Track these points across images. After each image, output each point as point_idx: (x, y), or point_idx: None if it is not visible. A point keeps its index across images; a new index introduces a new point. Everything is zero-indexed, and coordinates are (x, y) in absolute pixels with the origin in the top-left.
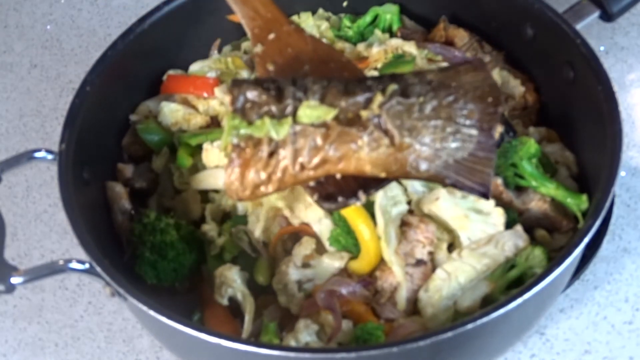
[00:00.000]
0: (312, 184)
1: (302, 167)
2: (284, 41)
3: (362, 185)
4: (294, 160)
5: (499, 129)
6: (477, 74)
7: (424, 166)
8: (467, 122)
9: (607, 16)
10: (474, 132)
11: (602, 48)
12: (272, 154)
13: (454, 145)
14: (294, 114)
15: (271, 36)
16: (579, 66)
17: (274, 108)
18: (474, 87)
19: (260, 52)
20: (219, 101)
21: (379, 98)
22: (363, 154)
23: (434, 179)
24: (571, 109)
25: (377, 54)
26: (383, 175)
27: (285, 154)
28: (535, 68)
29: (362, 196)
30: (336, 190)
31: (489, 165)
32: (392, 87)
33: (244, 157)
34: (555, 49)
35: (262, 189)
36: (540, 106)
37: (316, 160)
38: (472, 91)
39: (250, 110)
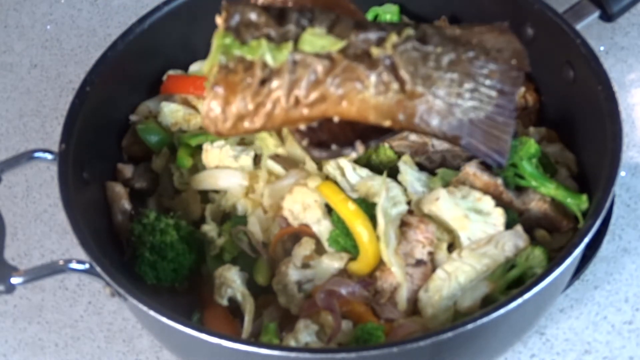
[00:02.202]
0: (302, 127)
1: (297, 101)
2: None
3: (359, 136)
4: (288, 92)
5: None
6: (501, 36)
7: (435, 121)
8: (487, 81)
9: (607, 16)
10: (493, 93)
11: (602, 48)
12: (264, 82)
13: (470, 103)
14: (295, 40)
15: None
16: (579, 66)
17: (272, 32)
18: (497, 49)
19: None
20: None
21: (393, 38)
22: (368, 95)
23: (446, 137)
24: (571, 109)
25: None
26: (387, 124)
27: (279, 84)
28: (535, 68)
29: (360, 147)
30: (329, 137)
31: (507, 131)
32: (409, 30)
33: (231, 80)
34: (555, 49)
35: (246, 123)
36: (540, 106)
37: (314, 95)
38: (494, 51)
39: (245, 31)
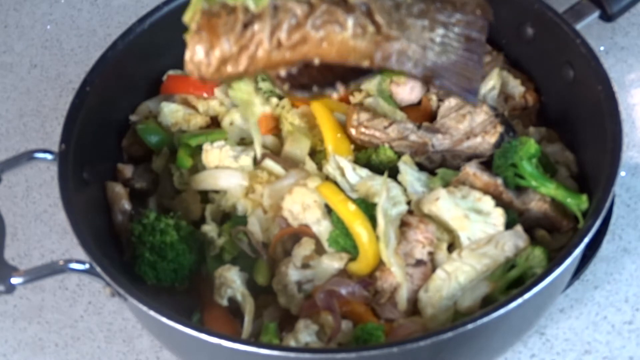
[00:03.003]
0: (283, 73)
1: (279, 44)
2: None
3: (339, 77)
4: (270, 35)
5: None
6: None
7: (410, 62)
8: (456, 29)
9: (607, 16)
10: (462, 39)
11: (602, 48)
12: (246, 25)
13: (441, 48)
14: None
15: None
16: (578, 66)
17: None
18: (461, 2)
19: None
20: (219, 101)
21: None
22: (347, 36)
23: (420, 77)
24: (571, 109)
25: None
26: (366, 63)
27: (261, 27)
28: (535, 68)
29: (340, 86)
30: (309, 81)
31: (477, 73)
32: None
33: (214, 24)
34: (555, 49)
35: (230, 66)
36: (540, 106)
37: (295, 37)
38: (459, 3)
39: None
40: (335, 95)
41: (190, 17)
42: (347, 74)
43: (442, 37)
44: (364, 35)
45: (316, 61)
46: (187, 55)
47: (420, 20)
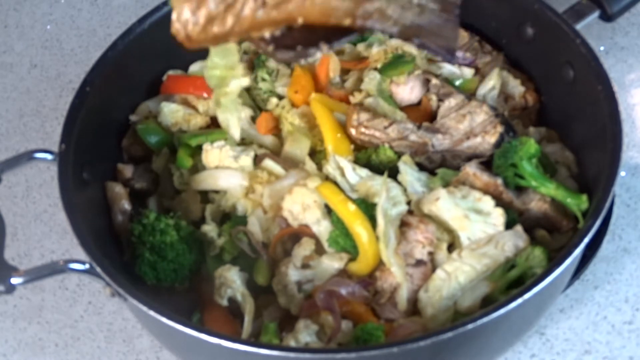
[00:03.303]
0: (267, 36)
1: (264, 2)
2: None
3: (322, 38)
4: None
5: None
6: None
7: (389, 21)
8: None
9: (607, 16)
10: (438, 2)
11: (602, 48)
12: None
13: (419, 9)
14: None
15: None
16: (578, 66)
17: None
18: None
19: None
20: None
21: None
22: None
23: (400, 36)
24: (571, 109)
25: (377, 54)
26: (347, 22)
27: None
28: (535, 68)
29: (324, 46)
30: (294, 43)
31: (454, 34)
32: None
33: None
34: (555, 49)
35: (216, 26)
36: (540, 106)
37: None
38: None
39: None
40: (318, 55)
41: None
42: (330, 35)
43: None
44: None
45: (300, 20)
46: (174, 15)
47: None
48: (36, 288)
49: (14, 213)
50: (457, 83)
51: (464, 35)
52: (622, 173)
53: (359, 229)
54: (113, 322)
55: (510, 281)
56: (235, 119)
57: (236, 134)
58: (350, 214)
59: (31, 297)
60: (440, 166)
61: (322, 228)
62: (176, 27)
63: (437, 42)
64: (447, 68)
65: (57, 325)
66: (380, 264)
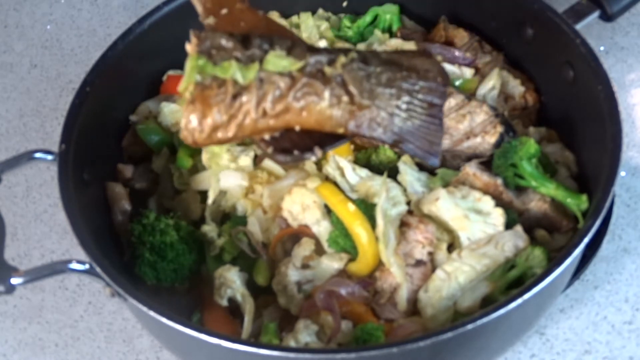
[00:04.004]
0: (267, 137)
1: (264, 113)
2: (236, 16)
3: (317, 142)
4: (257, 105)
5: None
6: (425, 59)
7: (380, 129)
8: (420, 95)
9: (607, 16)
10: (425, 105)
11: (602, 48)
12: (235, 96)
13: (406, 114)
14: (260, 61)
15: (224, 11)
16: (578, 66)
17: (239, 54)
18: (424, 69)
19: (212, 23)
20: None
21: (342, 59)
22: (324, 106)
23: (390, 143)
24: (571, 108)
25: None
26: (341, 131)
27: (248, 98)
28: (535, 68)
29: (318, 151)
30: (291, 145)
31: (438, 136)
32: (353, 54)
33: (207, 95)
34: (555, 48)
35: (220, 133)
36: (540, 106)
37: (279, 107)
38: (422, 71)
39: (215, 53)
40: (313, 159)
41: (184, 87)
42: (324, 138)
43: (407, 104)
44: (339, 104)
45: (297, 128)
46: (182, 122)
47: (388, 89)
48: (36, 288)
49: (14, 213)
50: (457, 83)
51: (463, 35)
52: (622, 173)
53: (359, 229)
54: (113, 322)
55: (510, 281)
56: (214, 188)
57: (211, 199)
58: (349, 214)
59: (31, 297)
60: (440, 166)
61: (322, 228)
62: (184, 134)
63: (423, 145)
64: (447, 68)
65: (57, 325)
66: (380, 264)
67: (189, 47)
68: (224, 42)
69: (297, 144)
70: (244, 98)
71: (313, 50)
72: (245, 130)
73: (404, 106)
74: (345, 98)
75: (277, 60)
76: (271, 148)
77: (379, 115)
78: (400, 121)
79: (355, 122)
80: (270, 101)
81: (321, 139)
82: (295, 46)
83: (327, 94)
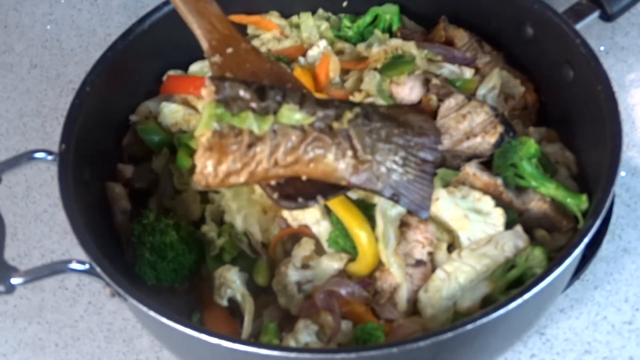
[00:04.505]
0: (272, 183)
1: (276, 163)
2: (242, 56)
3: (319, 190)
4: (270, 155)
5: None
6: (419, 115)
7: (380, 183)
8: (414, 151)
9: (607, 16)
10: (419, 161)
11: (602, 48)
12: (250, 146)
13: (402, 169)
14: (274, 113)
15: (229, 50)
16: (578, 66)
17: (255, 105)
18: (419, 126)
19: (218, 61)
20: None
21: (348, 114)
22: (330, 160)
23: (388, 196)
24: (571, 108)
25: (376, 54)
26: (344, 183)
27: (262, 149)
28: (535, 68)
29: (320, 199)
30: (295, 192)
31: (428, 192)
32: (357, 109)
33: (224, 144)
34: (555, 48)
35: (232, 179)
36: (540, 106)
37: (290, 158)
38: (417, 127)
39: (233, 103)
40: (316, 206)
41: (201, 132)
42: (326, 187)
43: (403, 159)
44: (344, 159)
45: (304, 178)
46: (198, 167)
47: (387, 145)
48: (36, 288)
49: (14, 213)
50: (457, 83)
51: (463, 35)
52: (622, 173)
53: (358, 229)
54: (113, 322)
55: (510, 281)
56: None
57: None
58: (349, 215)
59: (31, 297)
60: (440, 166)
61: (322, 228)
62: (198, 177)
63: (415, 199)
64: (447, 68)
65: (57, 325)
66: (380, 264)
67: (205, 93)
68: (242, 92)
69: (300, 191)
70: (258, 148)
71: (321, 104)
72: (256, 177)
73: (400, 161)
74: (349, 152)
75: (291, 114)
76: (277, 194)
77: (378, 170)
78: (397, 176)
79: (357, 176)
80: (283, 152)
81: (323, 186)
82: (306, 99)
83: (334, 148)
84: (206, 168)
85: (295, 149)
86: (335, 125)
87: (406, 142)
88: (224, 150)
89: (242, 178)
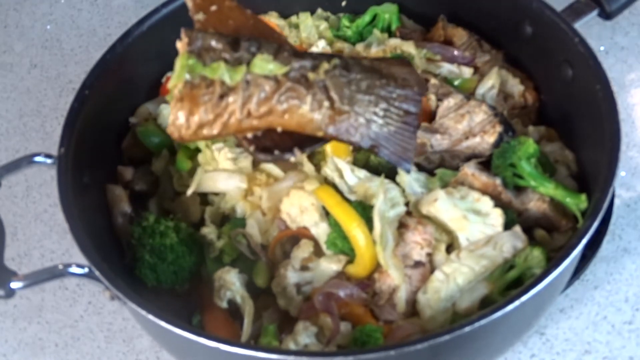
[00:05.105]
0: (249, 136)
1: (249, 113)
2: (225, 14)
3: (297, 143)
4: (242, 106)
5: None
6: (404, 67)
7: (357, 134)
8: (396, 103)
9: (606, 14)
10: (401, 112)
11: (602, 48)
12: (222, 96)
13: (382, 121)
14: (247, 63)
15: (213, 7)
16: (577, 65)
17: (228, 56)
18: (402, 78)
19: (202, 19)
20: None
21: (325, 65)
22: (306, 110)
23: (366, 147)
24: (570, 107)
25: (375, 53)
26: (320, 134)
27: (235, 99)
28: (534, 67)
29: (297, 152)
30: (272, 145)
31: (412, 143)
32: (336, 60)
33: (195, 94)
34: (554, 47)
35: (205, 130)
36: (539, 105)
37: (263, 109)
38: (400, 79)
39: (205, 54)
40: (292, 159)
41: (173, 84)
42: (304, 140)
43: (384, 111)
44: (320, 109)
45: (279, 129)
46: (170, 119)
47: (367, 96)
48: (36, 288)
49: (14, 213)
50: (456, 82)
51: (462, 34)
52: (622, 173)
53: (355, 232)
54: (113, 322)
55: (509, 282)
56: None
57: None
58: (346, 217)
59: (31, 297)
60: (439, 166)
61: (320, 230)
62: (171, 129)
63: (397, 151)
64: (446, 67)
65: (57, 325)
66: (378, 266)
67: (180, 45)
68: (214, 43)
69: (278, 144)
70: (230, 98)
71: (298, 55)
72: (229, 128)
73: (380, 113)
74: (326, 103)
75: (264, 64)
76: (253, 146)
77: (357, 120)
78: (377, 127)
79: (334, 126)
80: (255, 103)
81: (301, 140)
82: (282, 50)
83: (309, 98)
84: (178, 119)
85: (268, 99)
86: (311, 75)
87: (388, 94)
88: (195, 101)
89: (215, 130)
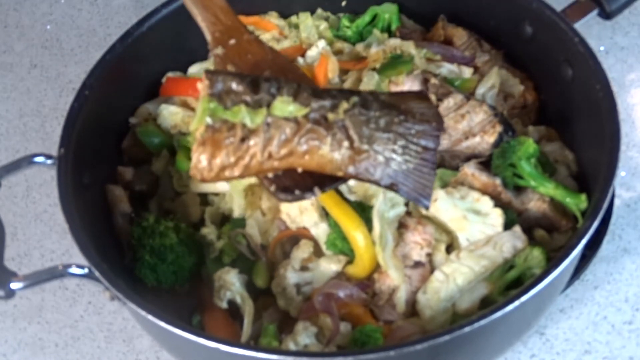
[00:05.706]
0: (270, 175)
1: (270, 155)
2: (244, 48)
3: (316, 182)
4: (263, 148)
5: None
6: (422, 102)
7: (377, 173)
8: (414, 139)
9: (606, 14)
10: (419, 149)
11: (602, 48)
12: (243, 139)
13: (402, 158)
14: (267, 106)
15: (232, 41)
16: (577, 64)
17: (249, 98)
18: (420, 112)
19: (220, 53)
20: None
21: (344, 105)
22: (326, 151)
23: (386, 186)
24: (570, 107)
25: (375, 54)
26: (340, 174)
27: (256, 142)
28: (534, 66)
29: (318, 191)
30: (292, 184)
31: (430, 180)
32: (355, 98)
33: (217, 138)
34: (554, 47)
35: (227, 172)
36: (539, 105)
37: (284, 151)
38: (418, 115)
39: (226, 97)
40: (313, 198)
41: (195, 127)
42: (324, 178)
43: (403, 148)
44: (340, 150)
45: (299, 169)
46: (193, 161)
47: (386, 134)
48: (36, 288)
49: (14, 213)
50: (456, 82)
51: (462, 34)
52: (622, 173)
53: (355, 232)
54: (113, 322)
55: (508, 282)
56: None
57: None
58: (345, 217)
59: (31, 297)
60: (439, 166)
61: (320, 230)
62: (193, 172)
63: (416, 188)
64: (446, 67)
65: (57, 325)
66: (378, 266)
67: (201, 88)
68: (235, 85)
69: (298, 183)
70: (252, 141)
71: (317, 94)
72: (251, 170)
73: (399, 150)
74: (345, 143)
75: (284, 106)
76: (274, 186)
77: (376, 160)
78: (396, 165)
79: (354, 166)
80: (276, 145)
81: (321, 178)
82: (301, 90)
83: (329, 139)
84: (200, 162)
85: (288, 141)
86: (331, 116)
87: (406, 130)
88: (217, 144)
89: (236, 172)
